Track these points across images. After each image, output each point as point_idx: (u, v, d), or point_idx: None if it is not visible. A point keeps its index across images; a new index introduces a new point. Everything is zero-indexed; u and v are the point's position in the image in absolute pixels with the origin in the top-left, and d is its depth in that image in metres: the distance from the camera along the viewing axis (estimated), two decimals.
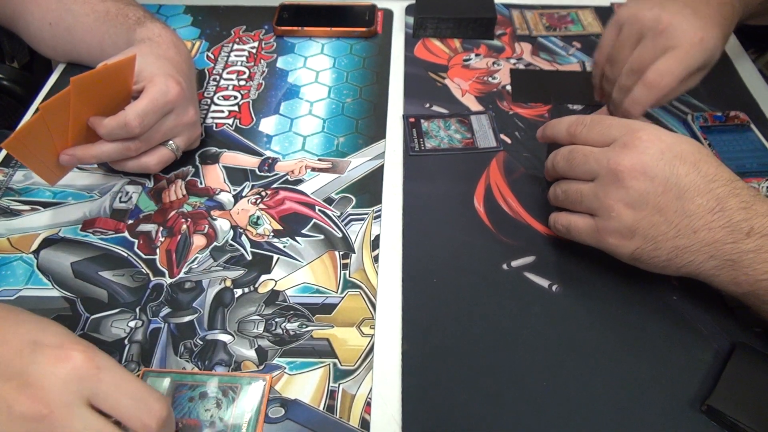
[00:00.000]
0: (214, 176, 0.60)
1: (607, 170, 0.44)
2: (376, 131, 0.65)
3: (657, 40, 0.52)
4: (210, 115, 0.67)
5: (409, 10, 0.81)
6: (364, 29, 0.76)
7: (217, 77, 0.71)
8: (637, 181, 0.43)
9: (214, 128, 0.65)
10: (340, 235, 0.55)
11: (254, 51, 0.75)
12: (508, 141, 0.64)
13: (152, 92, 0.53)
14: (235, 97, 0.69)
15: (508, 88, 0.70)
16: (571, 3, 0.82)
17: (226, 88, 0.70)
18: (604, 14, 0.80)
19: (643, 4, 0.54)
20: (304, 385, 0.45)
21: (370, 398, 0.45)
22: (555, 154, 0.50)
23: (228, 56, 0.74)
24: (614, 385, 0.45)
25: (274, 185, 0.60)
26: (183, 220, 0.56)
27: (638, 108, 0.55)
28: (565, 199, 0.49)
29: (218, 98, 0.69)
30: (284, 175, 0.61)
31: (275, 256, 0.54)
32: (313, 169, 0.61)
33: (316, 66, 0.73)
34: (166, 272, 0.52)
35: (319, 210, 0.57)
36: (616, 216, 0.44)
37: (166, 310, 0.50)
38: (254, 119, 0.66)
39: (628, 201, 0.44)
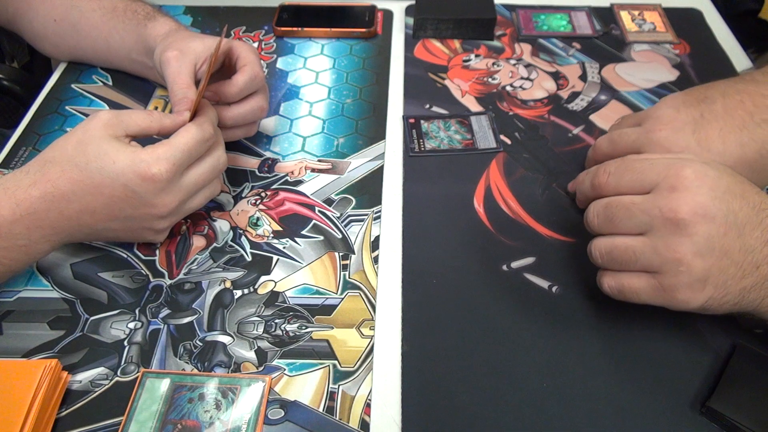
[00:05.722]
0: None
1: (662, 220, 0.40)
2: (376, 132, 0.65)
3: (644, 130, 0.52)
4: None
5: (408, 11, 0.81)
6: (363, 30, 0.76)
7: None
8: (700, 226, 0.39)
9: None
10: (340, 236, 0.55)
11: None
12: (508, 142, 0.64)
13: (253, 57, 0.57)
14: None
15: (509, 89, 0.70)
16: (570, 4, 0.82)
17: None
18: (604, 15, 0.80)
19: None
20: (304, 386, 0.45)
21: (370, 399, 0.45)
22: (588, 210, 0.46)
23: None
24: (614, 387, 0.45)
25: (274, 186, 0.60)
26: (182, 221, 0.56)
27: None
28: (611, 261, 0.44)
29: None
30: (284, 176, 0.60)
31: (275, 257, 0.54)
32: (313, 170, 0.61)
33: (315, 67, 0.73)
34: (166, 273, 0.52)
35: (319, 211, 0.57)
36: (685, 269, 0.40)
37: (165, 312, 0.50)
38: None
39: (696, 250, 0.39)
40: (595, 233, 0.46)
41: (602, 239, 0.44)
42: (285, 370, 0.46)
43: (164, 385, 0.45)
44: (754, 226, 0.40)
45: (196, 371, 0.46)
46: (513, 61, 0.74)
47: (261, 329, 0.49)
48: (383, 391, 0.45)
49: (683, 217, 0.39)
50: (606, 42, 0.76)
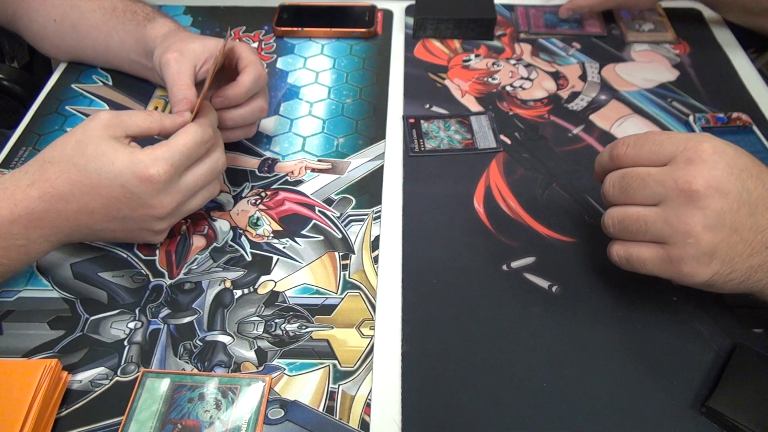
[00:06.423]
0: None
1: (677, 191, 0.40)
2: (376, 132, 0.65)
3: None
4: None
5: (408, 11, 0.81)
6: (364, 30, 0.76)
7: None
8: (713, 200, 0.39)
9: None
10: (340, 235, 0.55)
11: None
12: (508, 141, 0.64)
13: (254, 57, 0.57)
14: None
15: (509, 89, 0.70)
16: None
17: None
18: (605, 14, 0.80)
19: None
20: (304, 386, 0.45)
21: (370, 399, 0.45)
22: (604, 181, 0.46)
23: None
24: (614, 386, 0.45)
25: (274, 186, 0.60)
26: (182, 220, 0.56)
27: None
28: (622, 230, 0.44)
29: None
30: (284, 176, 0.61)
31: (275, 257, 0.54)
32: (313, 170, 0.61)
33: (315, 67, 0.73)
34: (166, 273, 0.52)
35: (319, 211, 0.57)
36: (693, 242, 0.40)
37: (165, 311, 0.50)
38: None
39: (706, 223, 0.40)
40: (610, 204, 0.46)
41: (616, 208, 0.45)
42: (285, 369, 0.46)
43: (164, 384, 0.45)
44: (767, 207, 0.40)
45: (196, 371, 0.46)
46: (513, 61, 0.74)
47: (261, 329, 0.49)
48: (383, 391, 0.45)
49: (697, 189, 0.40)
50: (606, 42, 0.76)
